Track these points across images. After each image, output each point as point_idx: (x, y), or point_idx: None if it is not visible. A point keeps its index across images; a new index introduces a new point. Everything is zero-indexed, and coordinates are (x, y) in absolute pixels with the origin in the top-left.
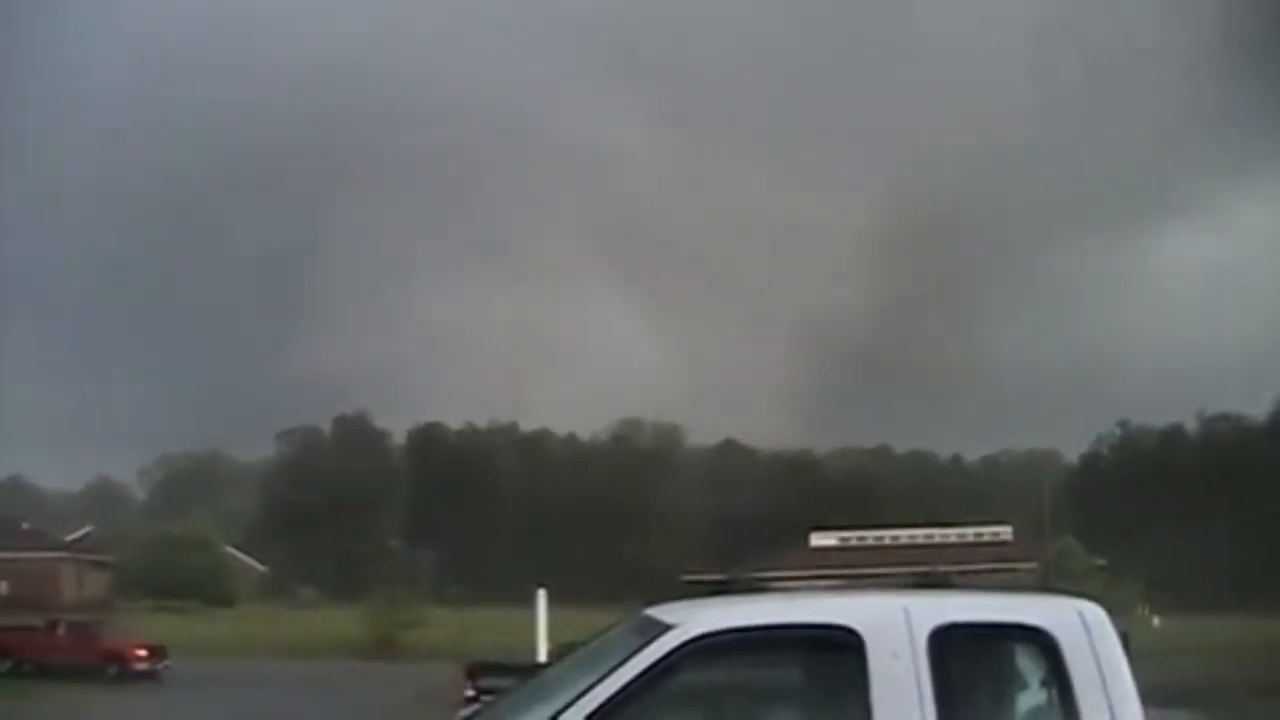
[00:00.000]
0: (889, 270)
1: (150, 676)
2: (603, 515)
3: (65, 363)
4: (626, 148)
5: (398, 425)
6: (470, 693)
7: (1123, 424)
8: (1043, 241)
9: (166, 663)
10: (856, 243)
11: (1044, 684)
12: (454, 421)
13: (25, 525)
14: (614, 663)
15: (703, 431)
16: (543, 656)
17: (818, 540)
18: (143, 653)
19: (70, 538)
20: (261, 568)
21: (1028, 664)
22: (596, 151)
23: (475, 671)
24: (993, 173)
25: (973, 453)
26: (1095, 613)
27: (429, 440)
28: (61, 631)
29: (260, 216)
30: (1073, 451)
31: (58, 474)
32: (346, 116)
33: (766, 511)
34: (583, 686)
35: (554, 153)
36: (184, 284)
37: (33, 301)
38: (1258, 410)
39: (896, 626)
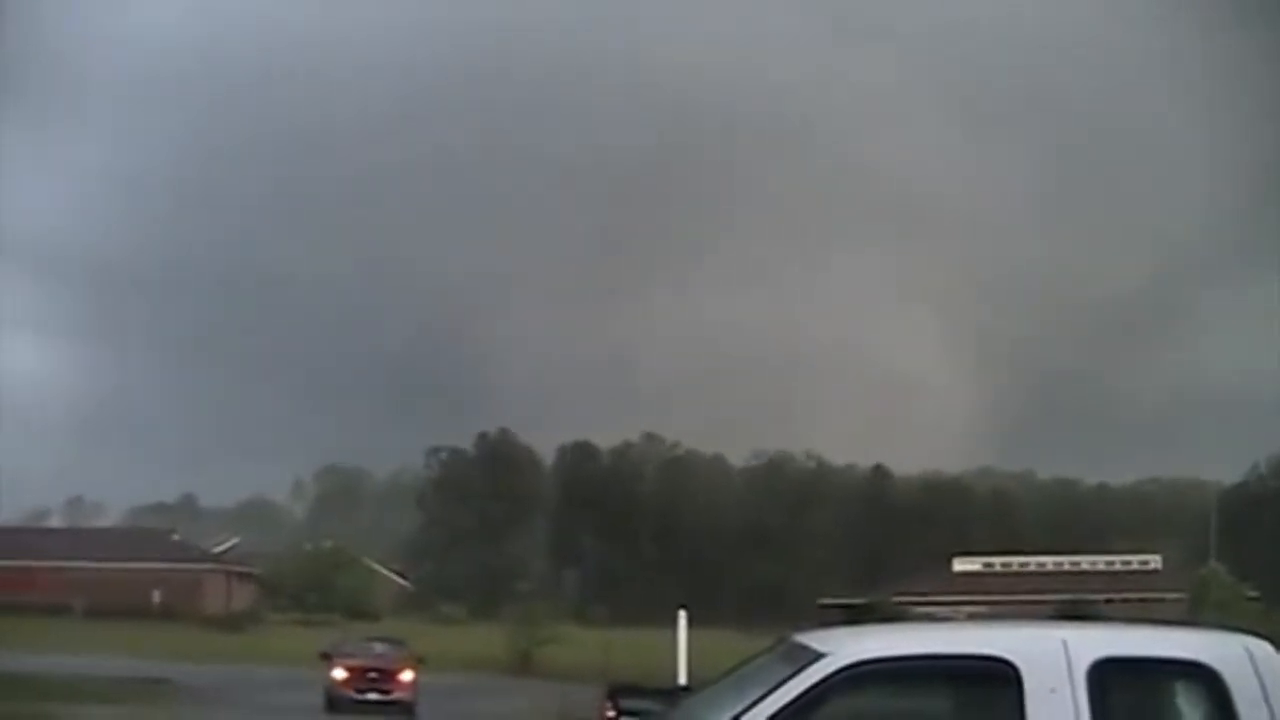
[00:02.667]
0: (1045, 297)
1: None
2: (745, 539)
3: (219, 378)
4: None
5: (546, 444)
6: (611, 714)
7: (1274, 450)
8: (1200, 267)
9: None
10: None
11: None
12: (602, 441)
13: (175, 537)
14: (764, 690)
15: (848, 456)
16: (683, 679)
17: (961, 566)
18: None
19: (217, 549)
20: (405, 583)
21: (1191, 701)
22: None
23: (617, 693)
24: (1155, 204)
25: (1121, 479)
26: (1264, 649)
27: (576, 459)
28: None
29: (417, 229)
30: (1225, 480)
31: (213, 489)
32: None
33: (912, 536)
34: (733, 713)
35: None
36: (345, 299)
37: (186, 318)
38: None
39: (1054, 659)
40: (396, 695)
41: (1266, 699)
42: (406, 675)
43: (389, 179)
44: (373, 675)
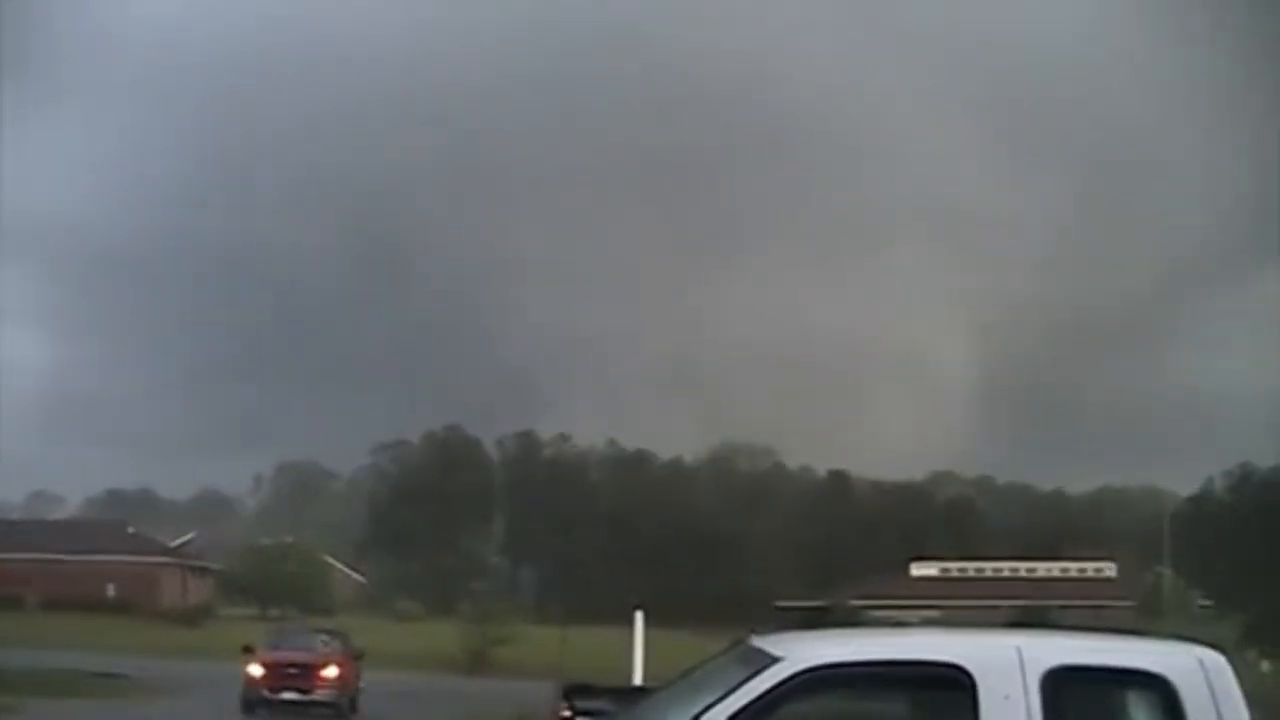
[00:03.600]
0: (1007, 307)
1: None
2: (702, 538)
3: (183, 373)
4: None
5: (493, 438)
6: (566, 713)
7: (1232, 463)
8: (1162, 280)
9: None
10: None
11: None
12: (548, 436)
13: (131, 530)
14: (720, 693)
15: (806, 458)
16: (639, 679)
17: (918, 570)
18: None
19: (174, 544)
20: (360, 579)
21: (1144, 711)
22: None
23: (572, 692)
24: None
25: (1078, 487)
26: (1215, 660)
27: (525, 455)
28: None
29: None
30: (1181, 491)
31: (170, 482)
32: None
33: (869, 540)
34: (689, 715)
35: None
36: (320, 293)
37: (151, 312)
38: None
39: (1009, 667)
40: (319, 694)
41: (1217, 709)
42: (330, 671)
43: (394, 171)
44: (291, 671)
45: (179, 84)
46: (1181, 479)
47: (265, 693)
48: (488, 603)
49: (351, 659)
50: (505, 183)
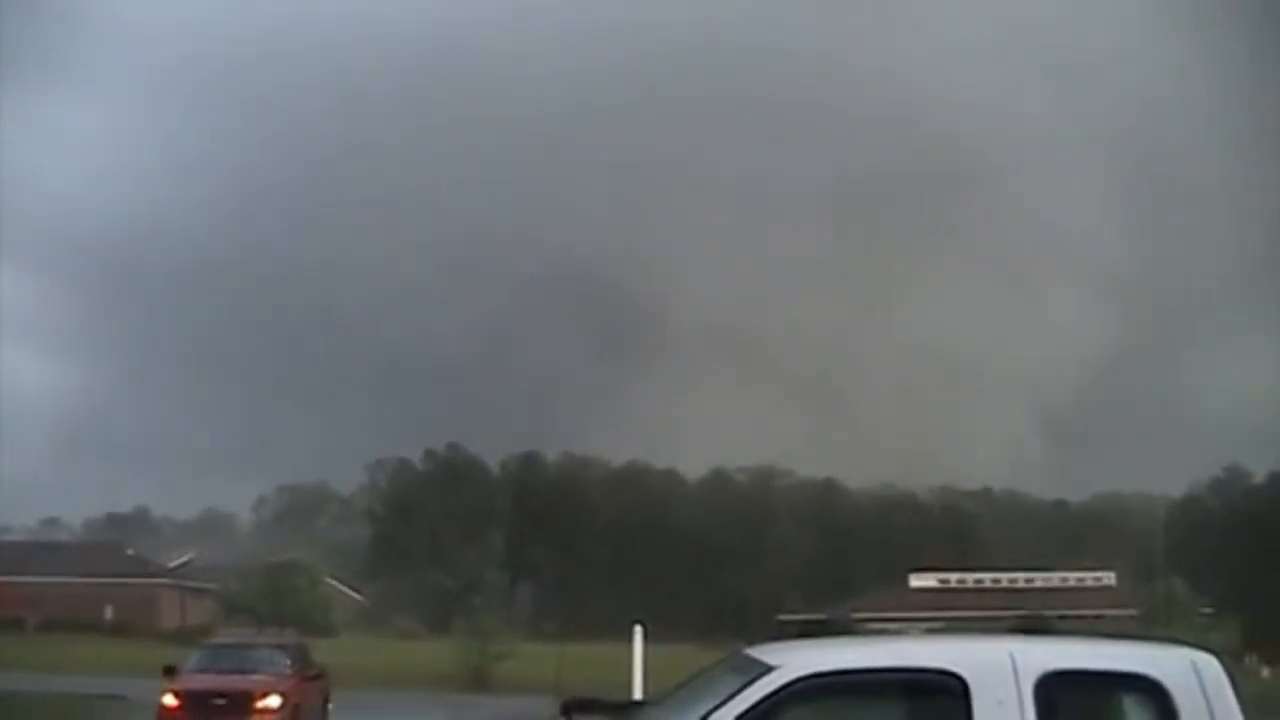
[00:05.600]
0: (995, 306)
1: None
2: (702, 553)
3: (184, 393)
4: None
5: (494, 455)
6: None
7: (1230, 468)
8: (1155, 286)
9: None
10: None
11: None
12: (552, 454)
13: (130, 551)
14: (716, 702)
15: (803, 470)
16: (639, 694)
17: (917, 581)
18: None
19: (172, 564)
20: (360, 598)
21: (1137, 714)
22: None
23: (571, 707)
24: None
25: (1077, 495)
26: (1209, 662)
27: (525, 471)
28: None
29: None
30: (1175, 496)
31: (170, 502)
32: None
33: (869, 552)
34: None
35: None
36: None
37: (150, 332)
38: None
39: (1002, 672)
40: None
41: (1210, 711)
42: (270, 701)
43: (394, 192)
44: (218, 703)
45: (181, 97)
46: (1176, 485)
47: None
48: (486, 619)
49: (307, 679)
50: (502, 192)
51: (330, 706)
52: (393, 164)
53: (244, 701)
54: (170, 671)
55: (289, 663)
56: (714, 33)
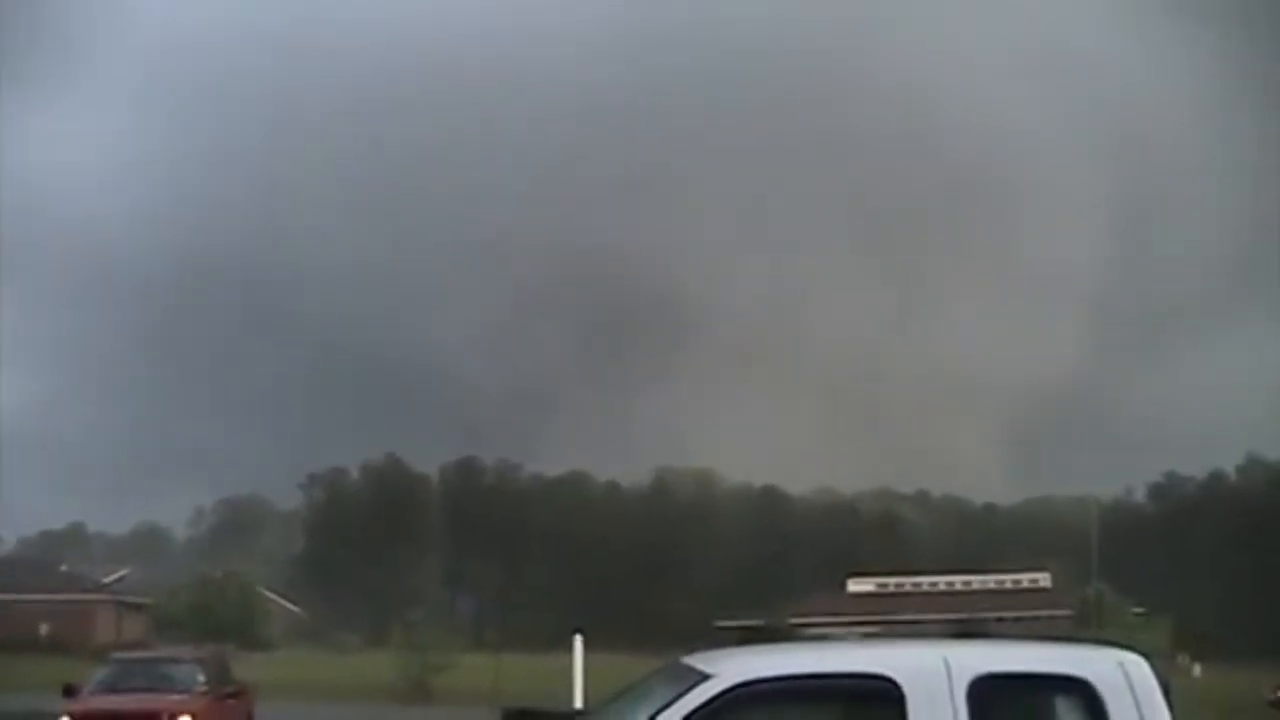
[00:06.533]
0: (922, 312)
1: None
2: (641, 561)
3: (120, 407)
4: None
5: (432, 466)
6: None
7: (1167, 474)
8: (1116, 300)
9: None
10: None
11: None
12: (488, 463)
13: (64, 568)
14: (652, 711)
15: (740, 477)
16: (579, 703)
17: (854, 586)
18: None
19: (107, 580)
20: (297, 611)
21: (1068, 715)
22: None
23: (511, 717)
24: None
25: (1010, 498)
26: (1137, 664)
27: (464, 482)
28: None
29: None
30: (1110, 498)
31: (106, 517)
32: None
33: (806, 557)
34: None
35: None
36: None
37: (85, 345)
38: None
39: (936, 676)
40: None
41: (1139, 710)
42: None
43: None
44: None
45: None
46: (1110, 489)
47: None
48: (425, 631)
49: (224, 697)
50: (442, 204)
51: None
52: (366, 167)
53: None
54: (70, 691)
55: (203, 679)
56: (726, 35)
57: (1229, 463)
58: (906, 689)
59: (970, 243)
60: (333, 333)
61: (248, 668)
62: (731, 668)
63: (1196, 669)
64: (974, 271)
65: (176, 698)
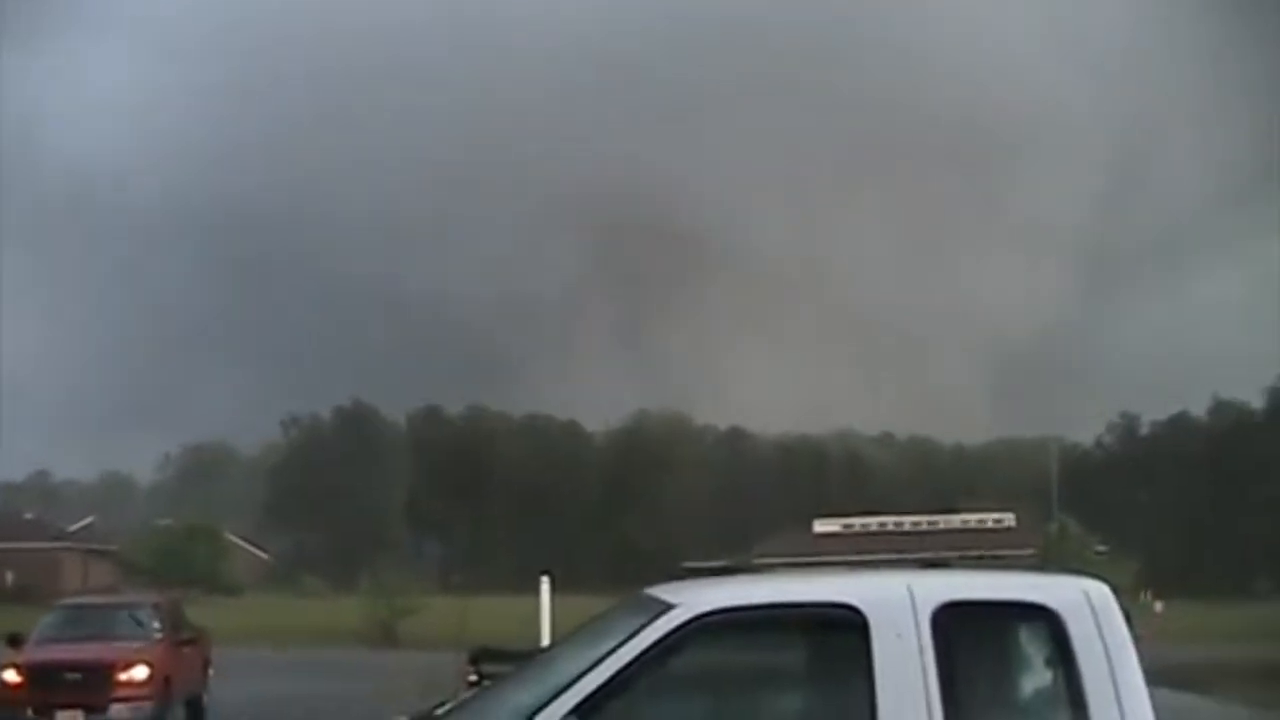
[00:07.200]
0: (893, 253)
1: None
2: (607, 502)
3: (85, 350)
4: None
5: (400, 410)
6: (473, 678)
7: (1125, 414)
8: (1046, 229)
9: None
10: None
11: (1049, 663)
12: (454, 407)
13: (28, 515)
14: (615, 642)
15: (708, 419)
16: (546, 643)
17: (821, 527)
18: None
19: (73, 528)
20: (265, 556)
21: (1033, 643)
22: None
23: (479, 657)
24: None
25: (976, 439)
26: (1101, 592)
27: (430, 426)
28: None
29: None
30: (1078, 439)
31: (71, 465)
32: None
33: (772, 498)
34: (584, 665)
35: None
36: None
37: (48, 293)
38: (1258, 399)
39: (900, 605)
40: (122, 711)
41: (1102, 637)
42: (137, 672)
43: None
44: (71, 678)
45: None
46: (1075, 430)
47: (30, 714)
48: (393, 575)
49: (180, 644)
50: (418, 153)
51: (211, 673)
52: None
53: (103, 675)
54: (15, 641)
55: (158, 625)
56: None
57: (1197, 406)
58: (870, 617)
59: (955, 190)
60: (304, 278)
61: (214, 613)
62: (695, 598)
63: (1158, 605)
64: (956, 218)
65: (130, 646)
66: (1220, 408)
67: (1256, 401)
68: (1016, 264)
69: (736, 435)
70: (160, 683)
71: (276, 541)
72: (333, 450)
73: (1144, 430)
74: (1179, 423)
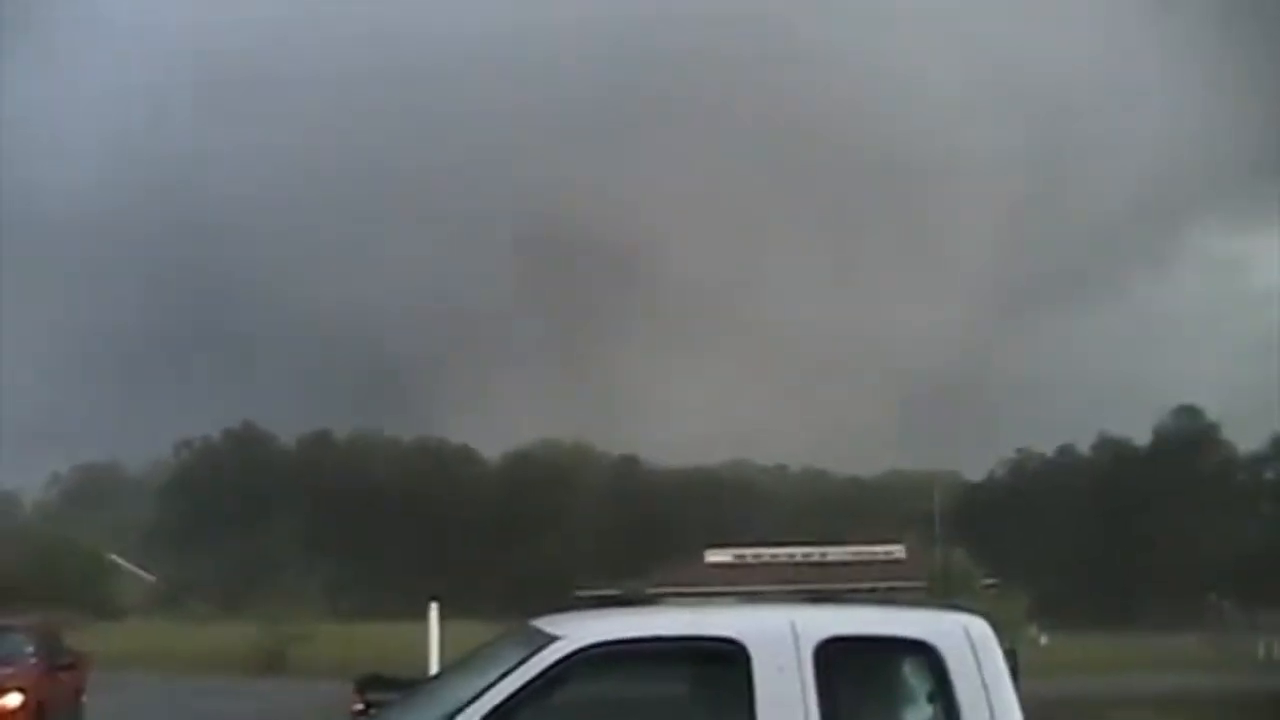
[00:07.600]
0: (806, 283)
1: None
2: (500, 529)
3: None
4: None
5: (290, 434)
6: (359, 706)
7: (1022, 449)
8: (952, 263)
9: None
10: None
11: (929, 697)
12: (343, 431)
13: None
14: (499, 673)
15: (603, 447)
16: (434, 670)
17: (713, 557)
18: None
19: None
20: (150, 578)
21: (913, 677)
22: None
23: (365, 685)
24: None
25: (873, 471)
26: (980, 626)
27: (319, 450)
28: None
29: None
30: (968, 474)
31: None
32: None
33: (668, 527)
34: (468, 696)
35: None
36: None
37: None
38: (1144, 435)
39: (782, 639)
40: None
41: (980, 672)
42: (10, 700)
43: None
44: None
45: None
46: (972, 463)
47: None
48: (281, 600)
49: (55, 669)
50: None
51: (85, 700)
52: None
53: None
54: None
55: (33, 650)
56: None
57: (1083, 441)
58: (753, 651)
59: (870, 223)
60: (206, 298)
61: (96, 637)
62: (578, 630)
63: (1044, 639)
64: (869, 251)
65: (2, 671)
66: (1103, 444)
67: (1143, 438)
68: (923, 297)
69: (631, 463)
70: (32, 710)
71: (163, 564)
72: (222, 473)
73: (1031, 465)
74: (1065, 457)
